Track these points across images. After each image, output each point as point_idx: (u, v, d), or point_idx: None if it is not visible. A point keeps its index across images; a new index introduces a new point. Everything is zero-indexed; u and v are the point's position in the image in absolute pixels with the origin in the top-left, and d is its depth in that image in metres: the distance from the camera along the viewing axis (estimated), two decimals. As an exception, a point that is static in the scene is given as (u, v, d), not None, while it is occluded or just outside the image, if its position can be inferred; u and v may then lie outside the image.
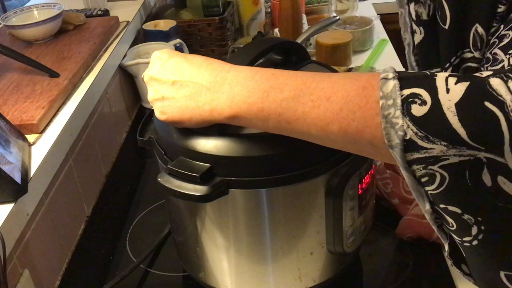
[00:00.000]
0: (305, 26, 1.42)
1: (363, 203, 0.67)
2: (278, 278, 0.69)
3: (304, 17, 1.44)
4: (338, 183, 0.62)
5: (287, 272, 0.68)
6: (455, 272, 0.77)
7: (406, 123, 0.41)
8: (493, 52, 0.48)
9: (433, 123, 0.41)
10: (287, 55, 0.73)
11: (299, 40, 1.11)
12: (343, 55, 1.35)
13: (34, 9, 1.22)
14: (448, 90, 0.41)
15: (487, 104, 0.40)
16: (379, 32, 1.57)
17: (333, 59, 1.33)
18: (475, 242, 0.44)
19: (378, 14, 1.67)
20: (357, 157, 0.63)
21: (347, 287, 0.79)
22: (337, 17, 1.25)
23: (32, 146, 0.83)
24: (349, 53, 1.36)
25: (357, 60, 1.43)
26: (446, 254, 0.48)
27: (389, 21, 1.75)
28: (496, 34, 0.50)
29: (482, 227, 0.43)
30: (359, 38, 1.46)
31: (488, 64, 0.50)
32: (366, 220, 0.70)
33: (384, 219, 0.86)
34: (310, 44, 1.41)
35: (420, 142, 0.41)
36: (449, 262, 0.49)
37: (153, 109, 0.60)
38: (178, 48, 1.34)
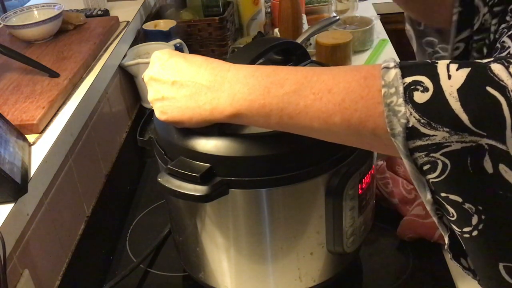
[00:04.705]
0: (305, 26, 1.42)
1: (363, 203, 0.67)
2: (278, 278, 0.69)
3: (304, 17, 1.44)
4: (338, 183, 0.62)
5: (287, 272, 0.68)
6: (455, 272, 0.77)
7: (408, 110, 0.41)
8: (501, 40, 0.49)
9: (435, 109, 0.41)
10: (287, 55, 0.73)
11: (299, 40, 1.11)
12: (343, 55, 1.35)
13: (34, 9, 1.22)
14: (449, 76, 0.41)
15: (489, 89, 0.40)
16: (379, 32, 1.57)
17: (333, 59, 1.33)
18: (475, 233, 0.43)
19: (378, 14, 1.67)
20: (357, 157, 0.63)
21: (347, 287, 0.79)
22: (337, 17, 1.25)
23: (32, 146, 0.83)
24: (349, 53, 1.36)
25: (357, 60, 1.43)
26: (446, 247, 0.48)
27: (389, 21, 1.75)
28: (506, 25, 0.51)
29: (483, 216, 0.42)
30: (359, 38, 1.46)
31: (497, 53, 0.50)
32: (366, 220, 0.70)
33: (384, 219, 0.86)
34: (310, 44, 1.41)
35: (422, 129, 0.41)
36: (448, 256, 0.49)
37: (153, 109, 0.61)
38: (178, 48, 1.34)
